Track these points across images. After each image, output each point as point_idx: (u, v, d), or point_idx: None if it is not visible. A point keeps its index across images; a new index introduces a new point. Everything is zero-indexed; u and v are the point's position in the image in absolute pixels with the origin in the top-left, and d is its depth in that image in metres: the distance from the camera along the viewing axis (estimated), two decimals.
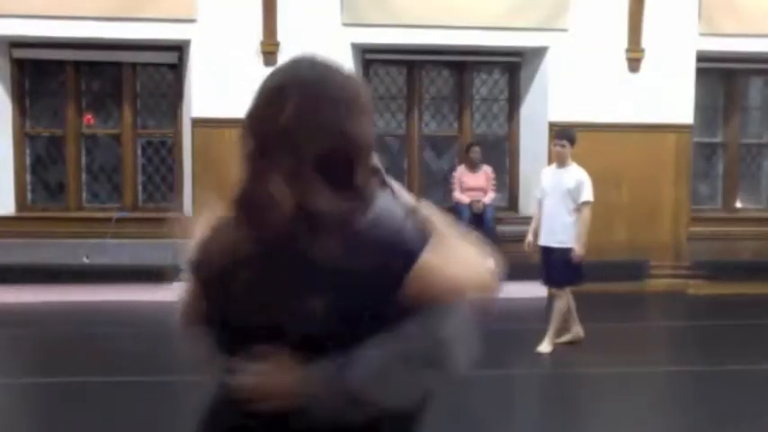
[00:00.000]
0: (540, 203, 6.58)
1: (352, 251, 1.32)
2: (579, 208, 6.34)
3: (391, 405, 1.38)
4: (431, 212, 1.44)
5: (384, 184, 1.46)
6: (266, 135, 1.34)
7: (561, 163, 6.48)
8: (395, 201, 1.45)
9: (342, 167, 1.34)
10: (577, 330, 6.56)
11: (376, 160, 1.45)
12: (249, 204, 1.34)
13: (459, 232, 1.46)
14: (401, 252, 1.35)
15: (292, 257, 1.33)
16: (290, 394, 1.36)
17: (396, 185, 1.49)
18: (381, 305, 1.35)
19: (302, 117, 1.32)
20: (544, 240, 6.40)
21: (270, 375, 1.36)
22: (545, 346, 6.25)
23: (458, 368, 1.40)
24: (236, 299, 1.37)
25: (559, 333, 6.43)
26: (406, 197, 1.49)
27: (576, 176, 6.37)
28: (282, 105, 1.33)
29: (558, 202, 6.36)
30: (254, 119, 1.37)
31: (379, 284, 1.34)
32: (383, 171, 1.47)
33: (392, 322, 1.36)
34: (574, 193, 6.33)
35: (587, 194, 6.37)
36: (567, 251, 6.26)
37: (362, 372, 1.34)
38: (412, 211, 1.43)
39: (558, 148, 6.47)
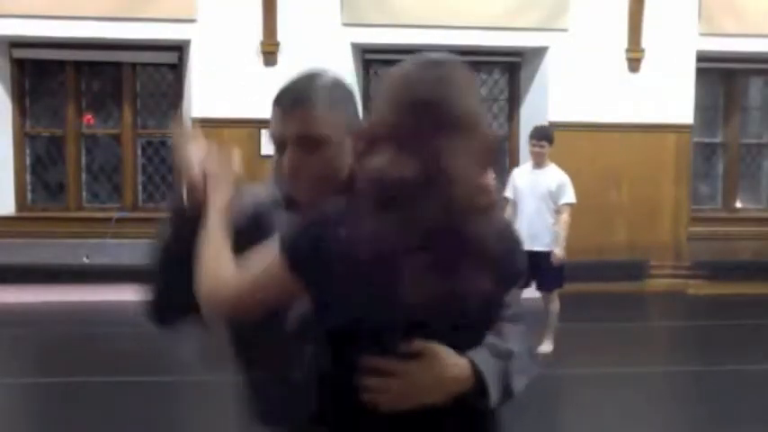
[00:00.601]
0: (513, 205, 6.32)
1: (499, 234, 1.40)
2: (559, 209, 6.17)
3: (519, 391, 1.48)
4: None
5: None
6: (444, 119, 1.35)
7: (539, 164, 6.27)
8: None
9: (485, 160, 1.40)
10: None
11: None
12: (436, 180, 1.31)
13: None
14: (518, 236, 1.51)
15: (467, 239, 1.33)
16: (440, 390, 1.35)
17: None
18: (508, 289, 1.47)
19: (472, 109, 1.40)
20: (528, 245, 6.24)
21: (421, 371, 1.34)
22: (546, 346, 6.25)
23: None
24: (408, 285, 1.30)
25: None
26: None
27: (557, 178, 6.21)
28: (455, 93, 1.38)
29: (540, 204, 6.18)
30: (427, 104, 1.36)
31: (511, 269, 1.44)
32: None
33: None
34: (555, 194, 6.17)
35: (570, 196, 6.20)
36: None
37: (515, 359, 1.43)
38: None
39: (538, 149, 6.22)
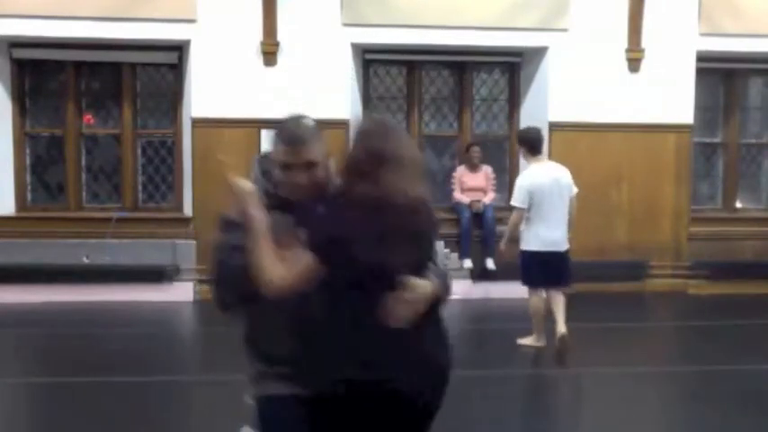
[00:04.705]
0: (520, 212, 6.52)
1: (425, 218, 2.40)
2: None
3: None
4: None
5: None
6: (387, 158, 2.26)
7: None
8: None
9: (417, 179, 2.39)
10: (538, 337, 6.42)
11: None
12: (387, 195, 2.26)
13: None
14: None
15: (401, 225, 2.32)
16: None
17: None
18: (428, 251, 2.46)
19: (402, 152, 2.34)
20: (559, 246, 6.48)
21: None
22: (561, 327, 6.02)
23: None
24: None
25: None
26: None
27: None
28: (393, 143, 2.32)
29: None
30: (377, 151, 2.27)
31: (429, 239, 2.48)
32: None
33: None
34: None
35: (513, 198, 6.41)
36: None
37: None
38: None
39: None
